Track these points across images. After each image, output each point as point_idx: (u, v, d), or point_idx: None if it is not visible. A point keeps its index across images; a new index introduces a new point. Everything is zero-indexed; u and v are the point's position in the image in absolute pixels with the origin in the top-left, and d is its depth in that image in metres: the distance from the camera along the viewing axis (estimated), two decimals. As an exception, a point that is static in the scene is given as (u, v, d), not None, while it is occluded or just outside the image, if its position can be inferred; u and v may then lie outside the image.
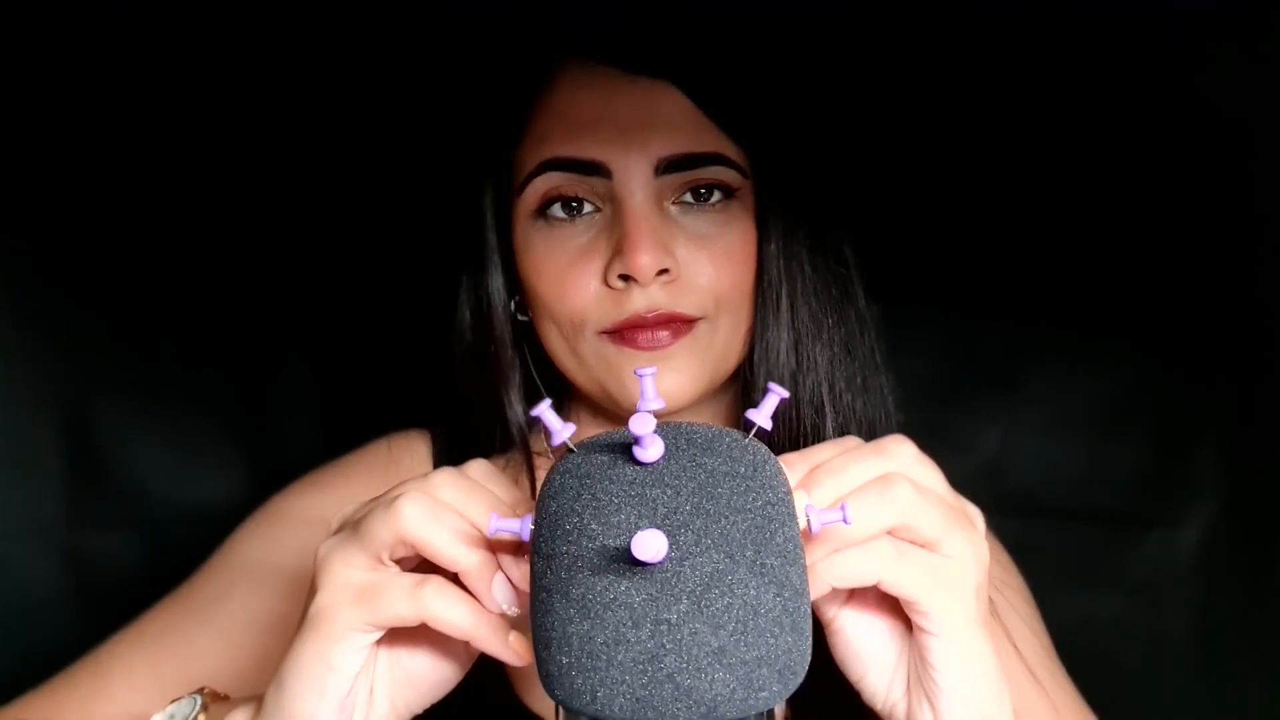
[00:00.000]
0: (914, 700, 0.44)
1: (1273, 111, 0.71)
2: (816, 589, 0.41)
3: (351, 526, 0.43)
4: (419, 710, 0.45)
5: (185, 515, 0.86)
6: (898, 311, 0.69)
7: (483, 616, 0.42)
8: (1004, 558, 0.71)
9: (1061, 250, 0.89)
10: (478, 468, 0.45)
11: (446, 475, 0.43)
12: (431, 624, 0.41)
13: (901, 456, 0.43)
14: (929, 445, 0.67)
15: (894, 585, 0.41)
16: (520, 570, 0.42)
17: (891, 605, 0.44)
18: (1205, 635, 0.88)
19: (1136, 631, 0.90)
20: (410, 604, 0.41)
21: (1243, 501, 0.86)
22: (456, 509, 0.42)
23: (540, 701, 0.64)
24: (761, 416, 0.41)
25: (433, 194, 0.72)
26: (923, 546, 0.42)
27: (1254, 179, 0.78)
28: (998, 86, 0.82)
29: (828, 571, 0.41)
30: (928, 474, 0.44)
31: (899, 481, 0.42)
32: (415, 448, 0.70)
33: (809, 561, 0.40)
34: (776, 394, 0.41)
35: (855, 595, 0.45)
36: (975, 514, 0.45)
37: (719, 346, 0.62)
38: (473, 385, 0.67)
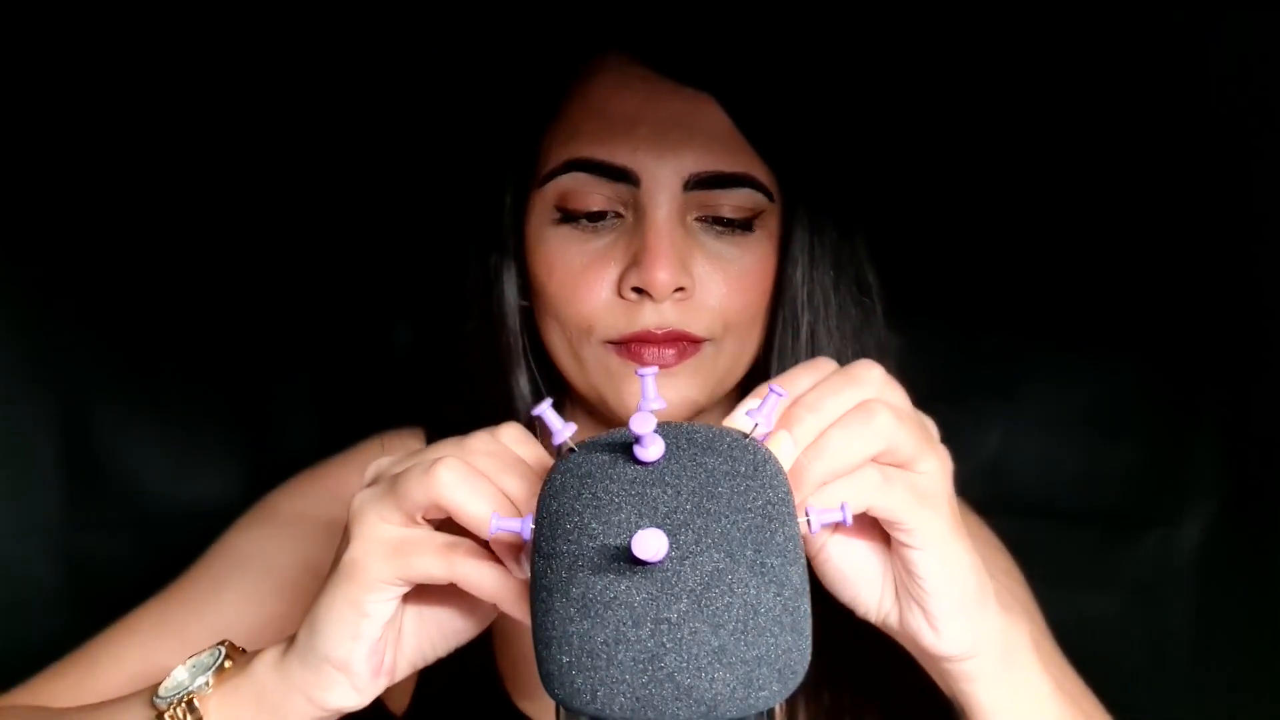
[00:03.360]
0: (905, 608, 0.45)
1: (1273, 111, 0.72)
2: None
3: (388, 482, 0.44)
4: (445, 652, 0.47)
5: (183, 515, 0.86)
6: (897, 313, 0.69)
7: (509, 581, 0.43)
8: (1005, 560, 0.72)
9: (1060, 252, 0.89)
10: (511, 432, 0.45)
11: (483, 441, 0.44)
12: (460, 585, 0.43)
13: (873, 382, 0.44)
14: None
15: (883, 510, 0.42)
16: None
17: (871, 525, 0.45)
18: (1204, 634, 0.88)
19: (1136, 631, 0.90)
20: (441, 564, 0.42)
21: (1241, 501, 0.86)
22: (490, 477, 0.43)
23: (532, 704, 0.64)
24: (762, 416, 0.41)
25: (448, 178, 0.71)
26: (900, 467, 0.43)
27: (1253, 179, 0.78)
28: (997, 90, 0.83)
29: (821, 506, 0.42)
30: (897, 396, 0.45)
31: (879, 409, 0.42)
32: (409, 445, 0.70)
33: (798, 499, 0.41)
34: (777, 394, 0.41)
35: (838, 526, 0.45)
36: (930, 425, 0.46)
37: (721, 369, 0.62)
38: (479, 371, 0.66)
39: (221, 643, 0.50)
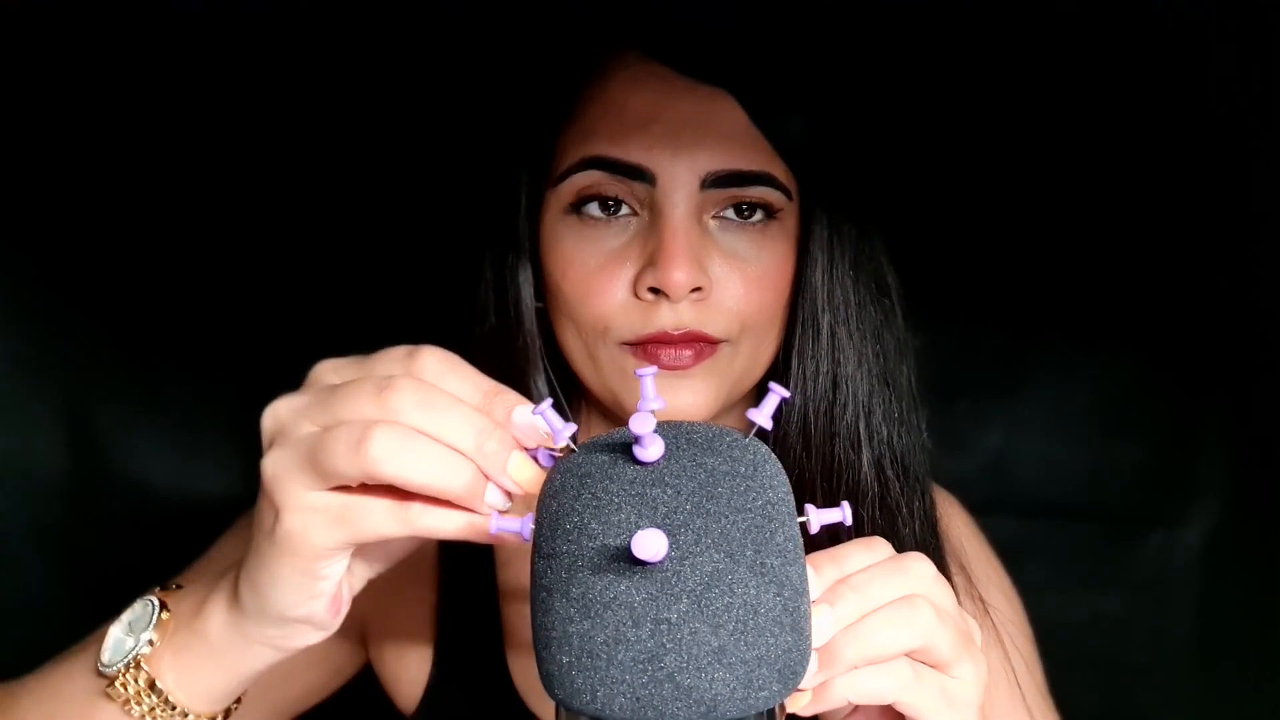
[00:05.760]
0: None
1: (1273, 111, 0.71)
2: (831, 702, 0.41)
3: (304, 449, 0.40)
4: (391, 564, 0.46)
5: (186, 515, 0.86)
6: (902, 313, 0.69)
7: (476, 518, 0.41)
8: (1011, 591, 0.71)
9: (1064, 251, 0.89)
10: (432, 364, 0.41)
11: (409, 393, 0.39)
12: (422, 535, 0.41)
13: (922, 577, 0.43)
14: (933, 445, 0.67)
15: (909, 707, 0.42)
16: (509, 456, 0.40)
17: (892, 718, 0.44)
18: (1208, 633, 0.88)
19: (1139, 629, 0.90)
20: (396, 522, 0.40)
21: (1245, 499, 0.86)
22: (431, 433, 0.39)
23: (543, 704, 0.64)
24: (762, 416, 0.41)
25: (462, 178, 0.71)
26: (934, 668, 0.42)
27: (1254, 179, 0.78)
28: (1000, 89, 0.82)
29: (848, 687, 0.41)
30: (944, 595, 0.44)
31: (922, 604, 0.42)
32: None
33: (827, 676, 0.41)
34: (777, 394, 0.41)
35: (860, 709, 0.45)
36: (974, 629, 0.45)
37: (738, 369, 0.61)
38: (495, 373, 0.65)
39: (150, 591, 0.49)
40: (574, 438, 0.40)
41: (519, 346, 0.64)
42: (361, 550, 0.44)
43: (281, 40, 0.79)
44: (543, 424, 0.40)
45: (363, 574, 0.45)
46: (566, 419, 0.41)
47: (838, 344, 0.61)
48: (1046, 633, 0.70)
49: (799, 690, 0.40)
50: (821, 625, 0.40)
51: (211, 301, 0.90)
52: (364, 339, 0.91)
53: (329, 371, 0.44)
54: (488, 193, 0.65)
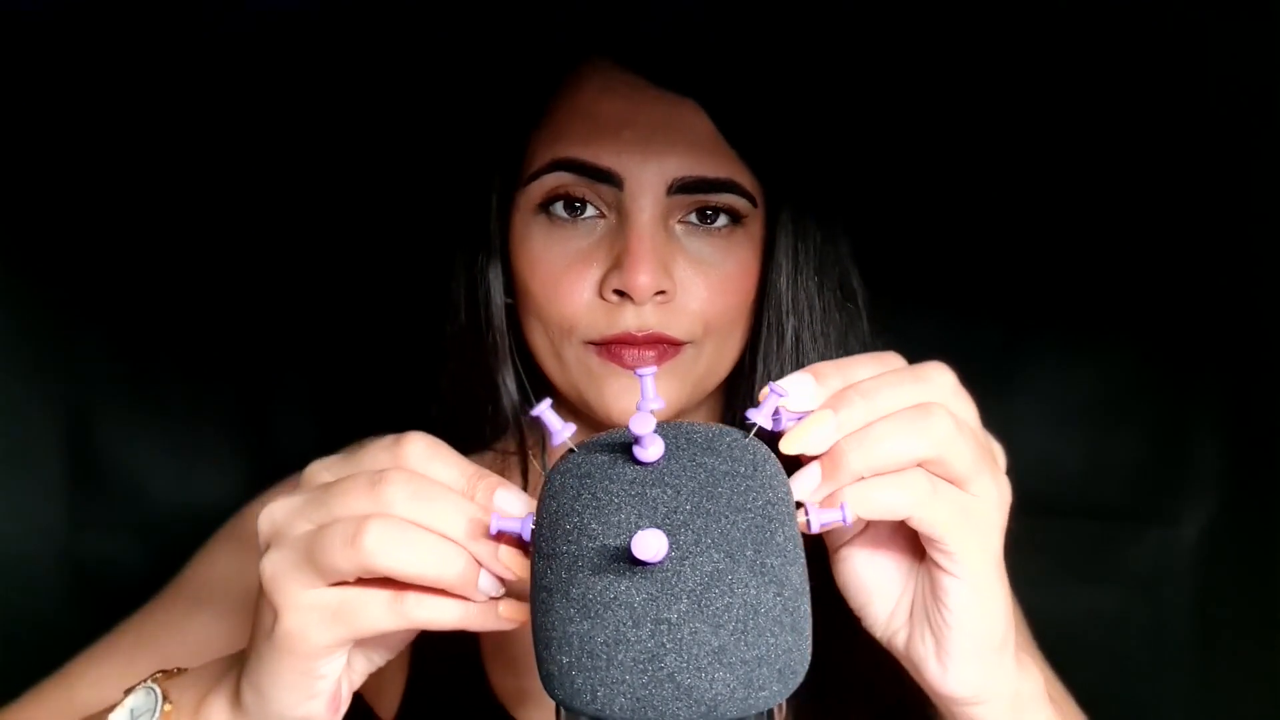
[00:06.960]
0: (916, 631, 0.43)
1: (1273, 109, 0.72)
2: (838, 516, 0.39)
3: (301, 548, 0.40)
4: (392, 656, 0.46)
5: (185, 518, 0.86)
6: (895, 306, 0.70)
7: (470, 606, 0.41)
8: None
9: (1060, 245, 0.89)
10: (418, 452, 0.41)
11: (400, 485, 0.40)
12: (418, 626, 0.41)
13: (941, 385, 0.41)
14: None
15: (923, 522, 0.39)
16: (498, 552, 0.40)
17: (904, 536, 0.43)
18: (1204, 630, 0.89)
19: (1136, 626, 0.91)
20: (393, 615, 0.40)
21: (1242, 496, 0.86)
22: (423, 523, 0.39)
23: (521, 708, 0.64)
24: (761, 416, 0.41)
25: (437, 177, 0.71)
26: (952, 482, 0.40)
27: (1253, 175, 0.78)
28: (997, 81, 0.82)
29: (858, 502, 0.39)
30: (965, 407, 0.42)
31: (938, 412, 0.39)
32: None
33: (832, 488, 0.39)
34: (777, 394, 0.41)
35: (870, 525, 0.44)
36: (999, 452, 0.43)
37: (701, 370, 0.62)
38: (466, 370, 0.66)
39: (154, 676, 0.48)
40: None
41: (488, 344, 0.65)
42: (361, 643, 0.44)
43: (273, 50, 0.79)
44: (521, 502, 0.41)
45: (363, 669, 0.45)
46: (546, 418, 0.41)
47: (801, 348, 0.62)
48: (1043, 629, 0.70)
49: (801, 505, 0.39)
50: (823, 429, 0.38)
51: (209, 305, 0.90)
52: (358, 341, 0.91)
53: (321, 471, 0.43)
54: (460, 193, 0.66)
